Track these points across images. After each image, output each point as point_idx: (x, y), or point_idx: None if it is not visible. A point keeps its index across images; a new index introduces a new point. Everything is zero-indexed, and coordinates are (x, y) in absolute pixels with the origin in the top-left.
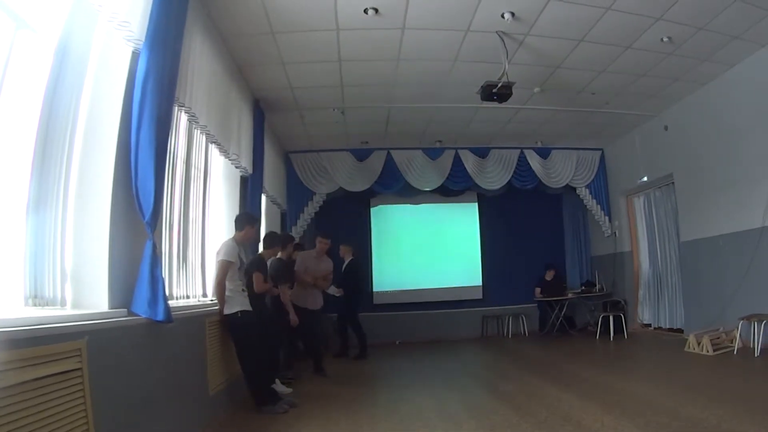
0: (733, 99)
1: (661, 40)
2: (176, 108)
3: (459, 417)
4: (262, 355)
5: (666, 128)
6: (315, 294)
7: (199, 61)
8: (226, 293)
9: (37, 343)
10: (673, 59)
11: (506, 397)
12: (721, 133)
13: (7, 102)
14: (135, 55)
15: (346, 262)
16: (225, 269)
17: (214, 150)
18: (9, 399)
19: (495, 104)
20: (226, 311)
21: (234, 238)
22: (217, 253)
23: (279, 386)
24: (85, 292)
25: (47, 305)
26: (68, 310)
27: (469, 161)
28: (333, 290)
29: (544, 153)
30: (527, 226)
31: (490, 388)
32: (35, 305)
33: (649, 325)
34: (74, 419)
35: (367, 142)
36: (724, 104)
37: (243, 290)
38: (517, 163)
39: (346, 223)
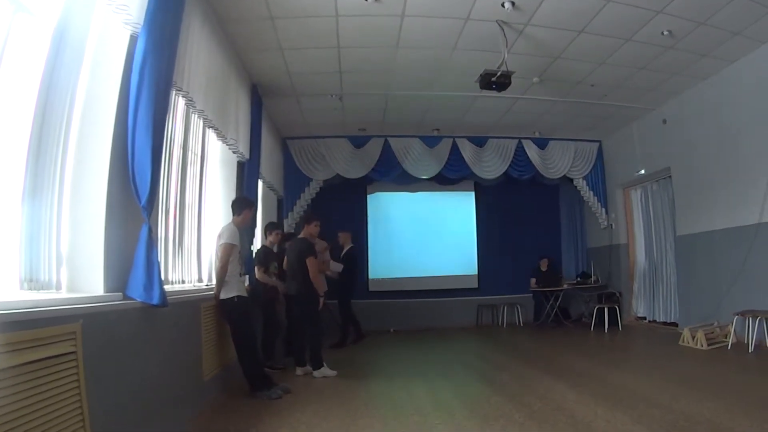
0: (733, 95)
1: (662, 33)
2: (174, 92)
3: (452, 405)
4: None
5: (664, 122)
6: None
7: (197, 46)
8: (225, 277)
9: (31, 326)
10: (673, 53)
11: (500, 387)
12: (720, 128)
13: (4, 86)
14: (133, 39)
15: (346, 249)
16: (229, 252)
17: (211, 135)
18: (4, 382)
19: (493, 93)
20: (223, 296)
21: (233, 222)
22: (219, 236)
23: (328, 370)
24: (81, 275)
25: (42, 289)
26: (63, 294)
27: (467, 150)
28: (335, 266)
29: (541, 143)
30: (524, 216)
31: (483, 377)
32: (30, 289)
33: (644, 318)
34: (68, 402)
35: (364, 129)
36: (724, 100)
37: (241, 275)
38: (515, 153)
39: (343, 210)
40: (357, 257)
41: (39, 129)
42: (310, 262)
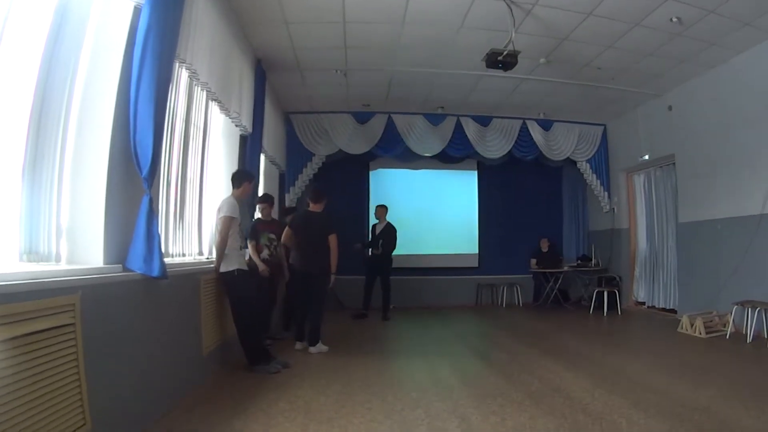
0: (739, 85)
1: (671, 20)
2: (177, 64)
3: (451, 383)
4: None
5: (670, 108)
6: None
7: (202, 18)
8: (225, 251)
9: (30, 298)
10: (681, 40)
11: (498, 366)
12: (726, 117)
13: (6, 58)
14: (137, 11)
15: (384, 225)
16: (228, 225)
17: (213, 108)
18: (2, 354)
19: (499, 72)
20: (223, 269)
21: (233, 195)
22: (219, 210)
23: (322, 346)
24: (81, 247)
25: (42, 261)
26: (63, 266)
27: (471, 129)
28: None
29: (546, 125)
30: (526, 197)
31: (482, 356)
32: (30, 261)
33: (644, 303)
34: (66, 374)
35: (368, 105)
36: (730, 89)
37: (241, 248)
38: (519, 134)
39: (345, 186)
40: (395, 232)
41: (40, 99)
42: (333, 238)
